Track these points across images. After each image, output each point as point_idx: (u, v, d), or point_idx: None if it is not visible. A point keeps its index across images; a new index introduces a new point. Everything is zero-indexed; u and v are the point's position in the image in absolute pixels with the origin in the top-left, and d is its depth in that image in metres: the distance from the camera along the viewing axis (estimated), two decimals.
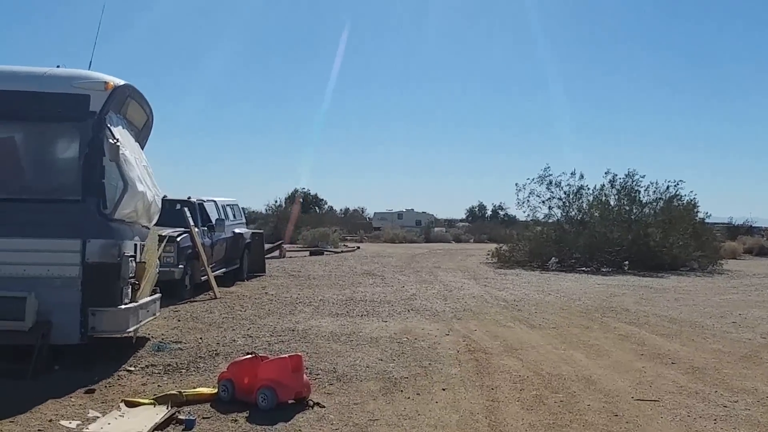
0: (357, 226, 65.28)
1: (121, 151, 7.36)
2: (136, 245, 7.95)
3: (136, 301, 7.79)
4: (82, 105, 7.19)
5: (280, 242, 30.47)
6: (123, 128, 7.91)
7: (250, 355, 6.57)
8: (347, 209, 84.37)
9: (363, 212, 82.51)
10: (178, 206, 14.16)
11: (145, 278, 8.14)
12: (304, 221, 49.92)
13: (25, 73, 7.39)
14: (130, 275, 7.55)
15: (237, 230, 17.47)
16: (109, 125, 7.27)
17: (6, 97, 7.18)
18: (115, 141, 7.13)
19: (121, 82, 7.61)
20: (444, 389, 6.95)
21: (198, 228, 14.51)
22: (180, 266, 13.08)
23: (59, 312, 7.02)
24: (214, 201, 16.45)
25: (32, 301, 6.81)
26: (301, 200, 69.21)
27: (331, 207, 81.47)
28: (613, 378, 7.64)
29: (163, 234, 13.05)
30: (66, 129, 7.26)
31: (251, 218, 55.83)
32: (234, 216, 17.98)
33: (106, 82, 7.30)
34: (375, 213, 76.93)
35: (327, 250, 33.17)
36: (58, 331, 7.02)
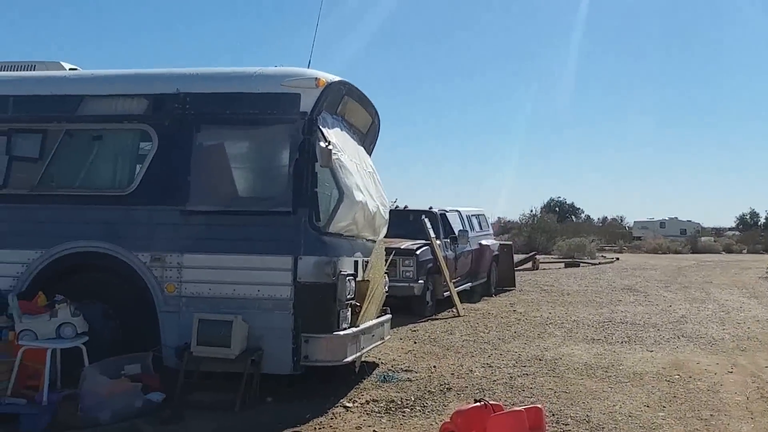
0: (616, 235, 60.92)
1: (335, 156, 6.36)
2: (357, 262, 6.91)
3: (357, 326, 6.73)
4: (291, 105, 6.30)
5: (533, 254, 28.67)
6: (341, 130, 6.94)
7: (478, 403, 5.10)
8: (605, 218, 79.65)
9: (622, 221, 77.22)
10: (420, 217, 13.14)
11: (368, 299, 7.06)
12: (560, 231, 47.37)
13: (230, 74, 6.70)
14: (349, 296, 6.49)
15: (483, 242, 16.16)
16: (321, 126, 6.30)
17: (212, 100, 6.52)
18: (327, 144, 6.12)
19: (335, 79, 6.62)
20: None
21: (440, 240, 13.41)
22: (420, 281, 12.03)
23: (270, 337, 6.17)
24: (458, 211, 15.29)
25: (240, 325, 6.00)
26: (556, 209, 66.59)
27: (588, 216, 77.49)
28: None
29: (396, 247, 12.21)
30: (275, 132, 6.40)
31: (506, 228, 54.60)
32: (480, 227, 16.71)
33: (317, 79, 6.33)
34: (635, 222, 71.52)
35: (583, 262, 30.67)
36: (269, 358, 6.17)
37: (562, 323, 11.74)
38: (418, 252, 12.21)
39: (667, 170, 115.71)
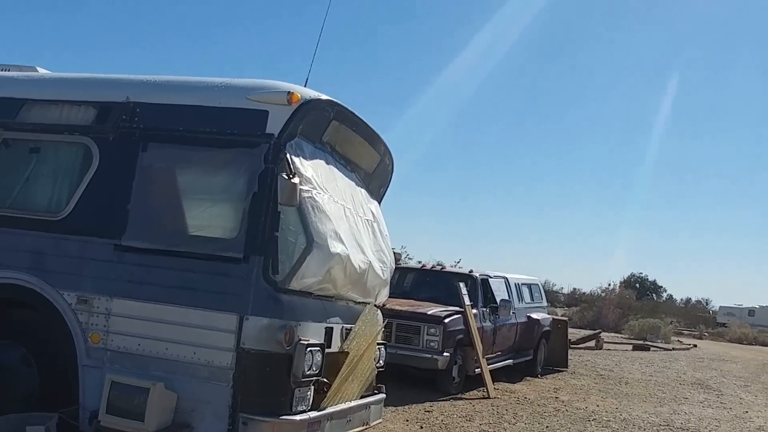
0: (697, 319, 57.14)
1: (307, 195, 5.21)
2: (331, 329, 5.65)
3: (322, 409, 5.45)
4: (256, 124, 5.20)
5: (598, 332, 26.55)
6: (326, 164, 5.79)
7: None
8: (688, 299, 75.24)
9: (707, 304, 72.79)
10: (455, 281, 11.78)
11: (345, 375, 5.79)
12: (635, 309, 44.48)
13: (192, 83, 5.67)
14: (312, 371, 5.23)
15: (533, 315, 14.58)
16: (291, 155, 5.15)
17: (165, 113, 5.51)
18: (291, 177, 4.95)
19: (318, 96, 5.49)
20: None
21: (477, 308, 11.98)
22: (446, 353, 10.62)
23: (203, 414, 4.99)
24: (505, 278, 13.83)
25: (160, 395, 4.84)
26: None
27: (671, 295, 73.34)
28: None
29: (421, 312, 10.86)
30: (233, 158, 5.27)
31: (572, 300, 51.97)
32: (531, 297, 15.15)
33: (290, 93, 5.20)
34: (720, 306, 67.06)
35: (655, 346, 28.17)
36: None
37: (608, 422, 10.04)
38: (446, 320, 10.83)
39: (763, 256, 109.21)
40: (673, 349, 28.64)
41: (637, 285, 68.19)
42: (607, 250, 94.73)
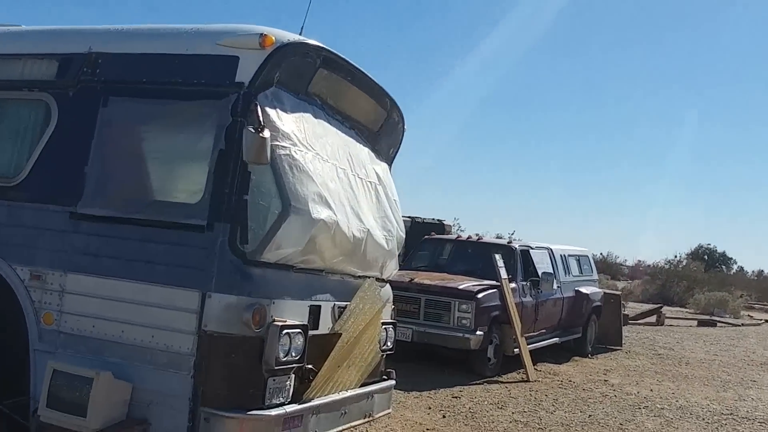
0: None
1: (284, 152, 4.49)
2: (316, 308, 4.94)
3: (307, 401, 4.77)
4: (225, 73, 4.49)
5: (659, 306, 25.32)
6: (314, 117, 5.04)
7: None
8: (761, 272, 71.98)
9: None
10: (490, 252, 10.94)
11: (337, 360, 5.10)
12: (702, 281, 42.50)
13: (159, 31, 4.99)
14: (292, 357, 4.54)
15: (582, 289, 13.62)
16: (265, 106, 4.42)
17: (128, 63, 4.84)
18: (260, 129, 4.22)
19: (297, 39, 4.74)
20: None
21: (516, 282, 11.13)
22: (479, 332, 9.83)
23: (161, 407, 4.34)
24: (549, 249, 12.90)
25: (106, 386, 4.22)
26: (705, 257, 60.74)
27: (741, 267, 70.29)
28: None
29: (452, 287, 10.07)
30: (200, 111, 4.57)
31: (636, 273, 50.17)
32: (580, 270, 14.19)
33: (262, 36, 4.46)
34: None
35: (722, 321, 26.71)
36: None
37: (662, 409, 9.13)
38: (479, 295, 10.03)
39: None
40: (743, 324, 27.10)
41: (705, 257, 65.50)
42: (674, 221, 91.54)
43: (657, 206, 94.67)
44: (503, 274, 10.51)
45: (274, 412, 4.42)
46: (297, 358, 4.60)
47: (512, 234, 12.20)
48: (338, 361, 5.13)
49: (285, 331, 4.45)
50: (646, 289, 38.76)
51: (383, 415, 6.08)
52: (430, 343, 10.05)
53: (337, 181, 5.12)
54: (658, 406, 9.32)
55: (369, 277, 5.60)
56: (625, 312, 22.12)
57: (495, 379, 10.02)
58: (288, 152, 4.56)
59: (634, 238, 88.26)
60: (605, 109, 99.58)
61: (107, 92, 4.80)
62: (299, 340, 4.61)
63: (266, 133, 4.24)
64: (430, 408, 7.81)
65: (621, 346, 15.12)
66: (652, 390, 10.45)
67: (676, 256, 47.67)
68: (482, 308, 9.94)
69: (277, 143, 4.51)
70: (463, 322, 9.83)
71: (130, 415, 4.35)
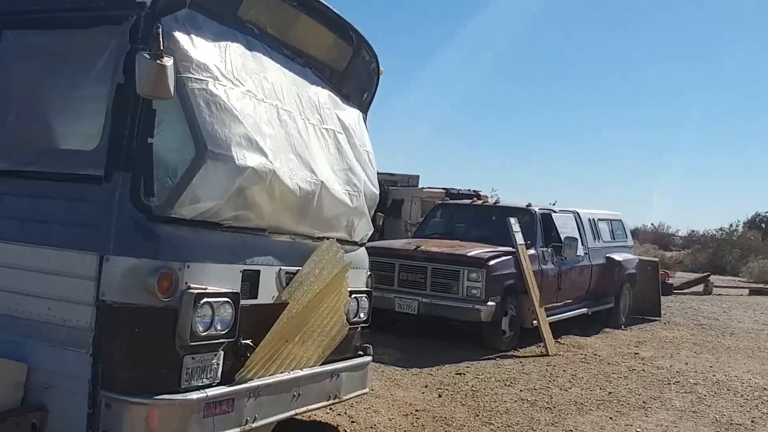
0: None
1: (198, 86, 3.79)
2: (253, 274, 4.24)
3: (243, 381, 4.10)
4: None
5: (706, 275, 24.10)
6: (246, 49, 4.33)
7: None
8: None
9: None
10: (505, 217, 10.11)
11: (285, 334, 4.42)
12: (757, 250, 40.62)
13: None
14: (215, 331, 3.87)
15: (614, 255, 12.69)
16: (170, 30, 3.72)
17: None
18: (160, 56, 3.50)
19: None
20: None
21: (536, 248, 10.30)
22: (490, 303, 9.04)
23: (59, 391, 3.71)
24: (575, 213, 11.99)
25: None
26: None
27: None
28: None
29: (460, 254, 9.29)
30: (95, 39, 3.90)
31: (689, 242, 48.35)
32: (612, 236, 13.25)
33: None
34: None
35: None
36: (57, 427, 3.71)
37: (695, 384, 8.26)
38: (490, 262, 9.23)
39: None
40: None
41: (763, 225, 63.08)
42: (733, 191, 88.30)
43: (714, 176, 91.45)
44: (519, 239, 9.70)
45: (193, 395, 3.77)
46: (225, 332, 3.94)
47: (554, 204, 11.38)
48: (286, 335, 4.44)
49: (204, 299, 3.78)
50: (696, 258, 37.28)
51: (355, 396, 5.39)
52: (438, 315, 9.32)
53: (277, 125, 4.40)
54: (691, 381, 8.45)
55: (329, 239, 4.89)
56: (670, 281, 21.13)
57: (510, 353, 9.25)
58: (204, 86, 3.87)
59: (689, 209, 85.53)
60: (657, 71, 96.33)
61: (2, 26, 4.16)
62: (227, 311, 3.94)
63: (167, 61, 3.52)
64: (426, 386, 7.10)
65: (660, 316, 14.17)
66: (687, 363, 9.56)
67: (731, 225, 45.75)
68: (494, 276, 9.15)
69: (191, 75, 3.83)
70: (473, 292, 9.07)
71: (26, 401, 3.76)
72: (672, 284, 20.86)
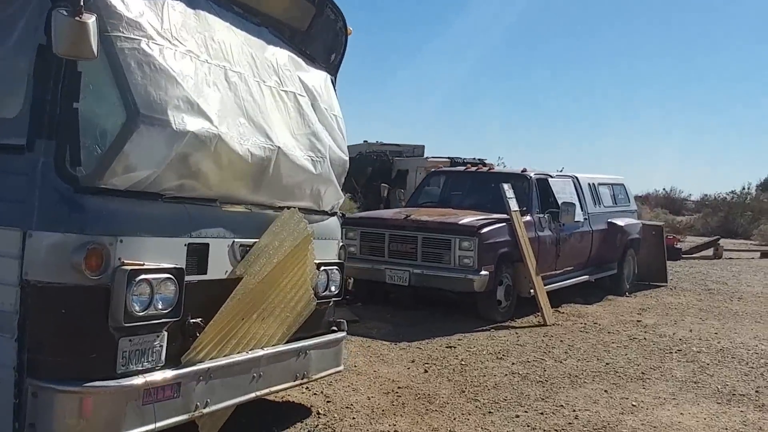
0: None
1: (128, 45, 3.46)
2: (200, 248, 3.92)
3: (191, 364, 3.81)
4: None
5: (716, 238, 23.67)
6: (187, 6, 3.97)
7: None
8: None
9: None
10: (498, 183, 9.73)
11: (240, 311, 4.11)
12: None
13: None
14: (156, 311, 3.56)
15: (616, 221, 12.30)
16: None
17: None
18: (79, 12, 3.15)
19: None
20: None
21: (532, 215, 9.95)
22: (483, 272, 8.71)
23: None
24: (574, 177, 11.60)
25: None
26: None
27: None
28: None
29: (450, 222, 8.95)
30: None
31: (702, 206, 47.75)
32: (614, 200, 12.85)
33: None
34: None
35: None
36: None
37: (698, 352, 7.93)
38: (482, 230, 8.89)
39: None
40: None
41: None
42: (746, 154, 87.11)
43: (727, 139, 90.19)
44: (513, 205, 9.35)
45: (130, 381, 3.47)
46: (167, 311, 3.63)
47: (561, 170, 11.06)
48: (241, 312, 4.14)
49: (141, 276, 3.47)
50: (707, 222, 36.66)
51: (328, 375, 5.10)
52: (430, 286, 9.01)
53: (224, 87, 4.06)
54: (695, 349, 8.11)
55: (291, 209, 4.56)
56: (678, 245, 20.73)
57: (506, 324, 8.94)
58: (136, 46, 3.53)
59: (701, 173, 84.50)
60: (667, 27, 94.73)
61: None
62: (168, 288, 3.63)
63: (88, 18, 3.17)
64: (413, 361, 6.81)
65: (666, 282, 13.80)
66: (691, 330, 9.22)
67: (744, 188, 44.93)
68: (486, 245, 8.81)
69: (121, 34, 3.49)
70: (465, 261, 8.74)
71: None
72: (681, 249, 20.47)
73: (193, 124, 3.70)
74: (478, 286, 8.67)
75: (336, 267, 5.11)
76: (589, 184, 11.91)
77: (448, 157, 20.27)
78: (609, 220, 12.10)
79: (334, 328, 5.23)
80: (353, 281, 9.81)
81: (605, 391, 6.22)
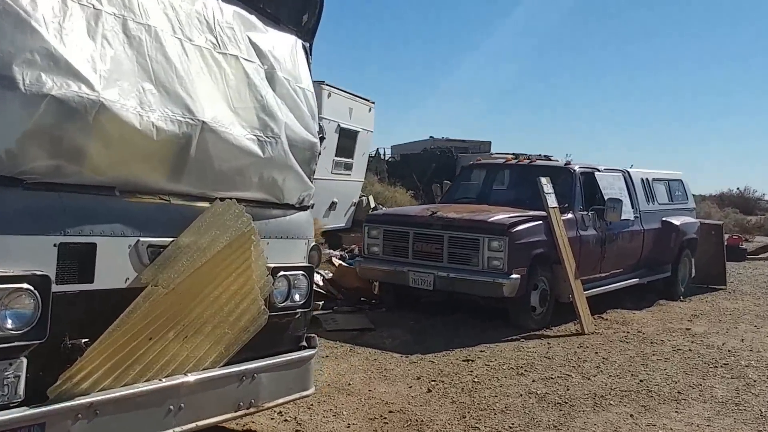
0: None
1: None
2: (83, 248, 2.89)
3: (66, 398, 2.78)
4: None
5: None
6: None
7: None
8: None
9: None
10: (537, 177, 8.40)
11: (147, 325, 3.06)
12: None
13: None
14: (5, 332, 2.56)
15: (671, 219, 10.74)
16: None
17: None
18: None
19: None
20: None
21: (575, 212, 8.59)
22: (514, 276, 7.43)
23: None
24: (625, 172, 10.13)
25: None
26: None
27: None
28: None
29: (479, 220, 7.70)
30: None
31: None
32: (670, 198, 11.29)
33: None
34: None
35: None
36: None
37: (746, 366, 6.52)
38: (513, 229, 7.60)
39: None
40: None
41: None
42: None
43: None
44: (551, 201, 8.03)
45: None
46: (23, 331, 2.62)
47: (631, 167, 9.74)
48: (147, 329, 3.09)
49: None
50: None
51: (290, 402, 4.00)
52: (456, 291, 7.79)
53: (121, 42, 3.03)
54: (743, 362, 6.67)
55: (229, 200, 3.48)
56: (743, 246, 18.74)
57: (539, 333, 7.64)
58: None
59: None
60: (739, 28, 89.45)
61: None
62: (24, 302, 2.61)
63: None
64: (419, 378, 5.65)
65: (725, 285, 12.09)
66: (743, 340, 7.72)
67: None
68: (518, 245, 7.53)
69: None
70: (495, 263, 7.48)
71: None
72: (746, 249, 18.46)
73: (55, 85, 2.66)
74: (508, 291, 7.40)
75: (302, 272, 4.01)
76: (642, 179, 10.42)
77: (513, 154, 18.87)
78: (663, 219, 10.56)
79: (304, 344, 4.13)
80: (377, 285, 8.82)
81: (631, 415, 4.95)
